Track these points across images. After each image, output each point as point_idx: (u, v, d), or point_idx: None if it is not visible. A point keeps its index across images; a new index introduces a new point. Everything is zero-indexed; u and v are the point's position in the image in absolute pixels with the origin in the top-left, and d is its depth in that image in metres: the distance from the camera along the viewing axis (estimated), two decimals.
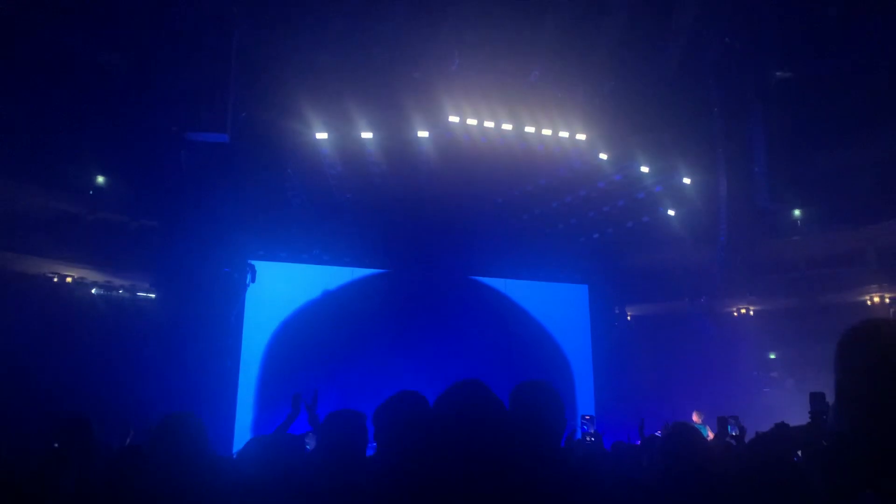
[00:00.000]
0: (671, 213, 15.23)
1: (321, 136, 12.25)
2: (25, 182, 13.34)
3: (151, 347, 12.29)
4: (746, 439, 4.28)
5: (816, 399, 3.04)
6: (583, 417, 9.34)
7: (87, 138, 13.08)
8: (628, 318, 17.89)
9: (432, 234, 15.05)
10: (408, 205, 14.70)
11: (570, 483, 2.17)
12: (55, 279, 13.98)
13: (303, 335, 14.00)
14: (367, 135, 12.28)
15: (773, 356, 17.91)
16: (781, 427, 2.66)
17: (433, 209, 14.92)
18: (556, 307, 16.36)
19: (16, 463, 3.17)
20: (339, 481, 2.21)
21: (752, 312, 17.79)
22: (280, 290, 14.36)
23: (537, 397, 2.44)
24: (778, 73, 13.59)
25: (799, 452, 3.07)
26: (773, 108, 13.62)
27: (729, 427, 5.21)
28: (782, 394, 15.88)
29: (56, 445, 3.49)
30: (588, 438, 6.77)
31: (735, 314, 17.76)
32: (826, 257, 17.20)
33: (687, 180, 14.12)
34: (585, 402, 15.71)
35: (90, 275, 14.35)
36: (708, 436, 9.60)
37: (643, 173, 13.89)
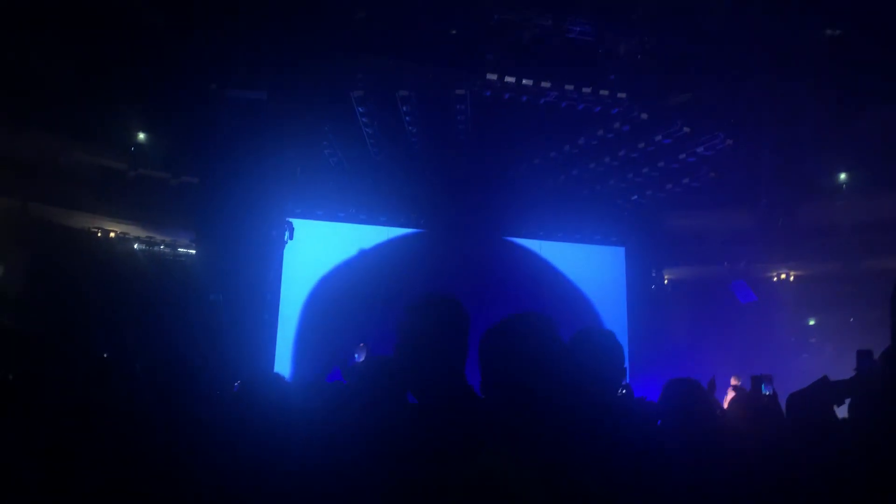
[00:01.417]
0: (712, 175, 14.93)
1: (358, 93, 12.21)
2: (69, 138, 13.60)
3: (192, 302, 12.55)
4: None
5: (864, 356, 2.98)
6: None
7: (129, 96, 13.24)
8: (665, 281, 17.72)
9: (468, 194, 15.00)
10: (444, 164, 14.66)
11: (621, 429, 2.19)
12: (99, 234, 14.31)
13: (339, 292, 14.16)
14: (404, 92, 12.20)
15: (812, 322, 17.66)
16: (824, 381, 2.62)
17: (469, 169, 14.86)
18: (591, 269, 16.26)
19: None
20: (377, 422, 2.24)
21: (792, 278, 17.51)
22: (317, 247, 14.51)
23: (598, 343, 2.47)
24: (827, 31, 13.13)
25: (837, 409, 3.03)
26: (820, 67, 13.19)
27: (763, 386, 5.13)
28: (821, 360, 15.67)
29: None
30: (620, 391, 6.74)
31: (774, 279, 17.50)
32: (871, 222, 16.77)
33: (730, 141, 13.81)
34: None
35: (133, 230, 14.67)
36: None
37: (685, 134, 13.61)
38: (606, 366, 2.49)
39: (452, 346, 2.20)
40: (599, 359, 2.47)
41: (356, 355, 9.88)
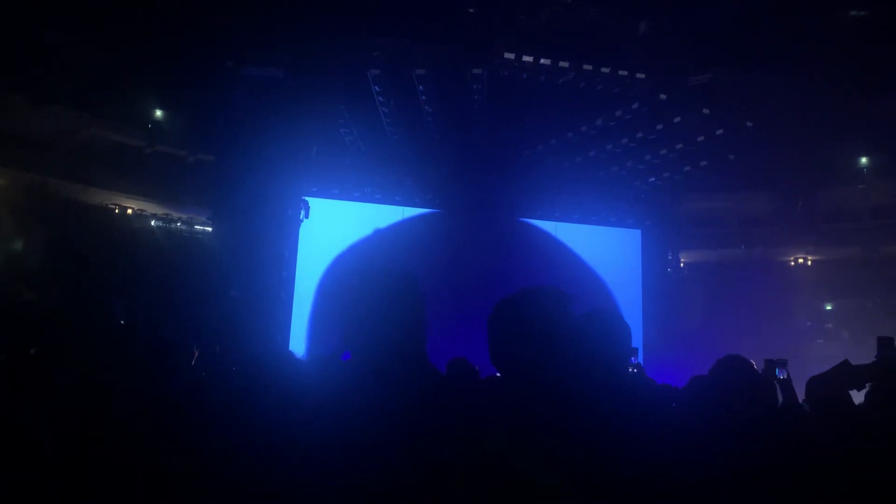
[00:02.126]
0: (731, 157, 14.77)
1: (374, 72, 12.15)
2: (87, 115, 13.68)
3: (209, 278, 12.64)
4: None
5: (884, 344, 2.96)
6: None
7: (145, 73, 13.26)
8: (681, 264, 17.62)
9: (484, 174, 14.94)
10: (460, 144, 14.59)
11: (630, 410, 2.17)
12: (116, 210, 14.42)
13: (353, 271, 14.17)
14: (420, 71, 12.13)
15: (829, 307, 17.54)
16: (845, 365, 2.60)
17: (485, 149, 14.78)
18: (607, 252, 16.19)
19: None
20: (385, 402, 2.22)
21: (809, 262, 17.38)
22: (332, 226, 14.54)
23: (604, 323, 2.47)
24: (851, 12, 12.88)
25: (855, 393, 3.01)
26: (843, 49, 12.96)
27: (777, 371, 5.11)
28: (837, 345, 15.59)
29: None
30: (630, 369, 6.72)
31: (792, 263, 17.38)
32: (891, 207, 16.60)
33: (749, 123, 13.63)
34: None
35: (150, 207, 14.78)
36: None
37: (704, 115, 13.44)
38: (613, 346, 2.49)
39: (404, 318, 2.15)
40: (606, 339, 2.48)
41: None
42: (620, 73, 12.42)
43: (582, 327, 2.38)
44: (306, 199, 14.11)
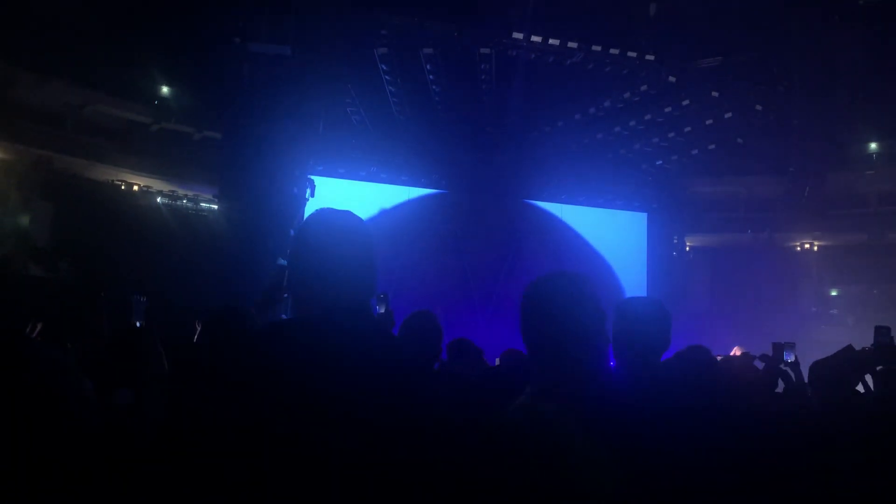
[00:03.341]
0: (739, 141, 14.69)
1: (382, 50, 12.08)
2: (94, 91, 13.65)
3: (213, 257, 12.65)
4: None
5: (881, 332, 2.98)
6: None
7: (152, 49, 13.21)
8: (687, 248, 17.59)
9: (491, 155, 14.89)
10: (467, 125, 14.54)
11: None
12: (122, 187, 14.43)
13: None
14: (428, 50, 12.06)
15: (834, 293, 17.51)
16: (848, 350, 2.60)
17: (492, 130, 14.73)
18: (612, 234, 16.15)
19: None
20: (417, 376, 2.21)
21: (815, 247, 17.33)
22: (338, 206, 14.41)
23: (643, 310, 2.52)
24: None
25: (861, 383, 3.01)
26: (856, 33, 12.84)
27: (785, 354, 5.07)
28: (842, 331, 15.57)
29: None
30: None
31: (798, 248, 17.33)
32: None
33: (759, 107, 13.54)
34: None
35: (156, 184, 14.78)
36: None
37: (713, 98, 13.36)
38: (650, 332, 2.54)
39: (346, 261, 1.90)
40: (643, 325, 2.52)
41: (376, 307, 9.93)
42: (629, 54, 12.33)
43: (617, 316, 2.44)
44: (312, 177, 14.08)
